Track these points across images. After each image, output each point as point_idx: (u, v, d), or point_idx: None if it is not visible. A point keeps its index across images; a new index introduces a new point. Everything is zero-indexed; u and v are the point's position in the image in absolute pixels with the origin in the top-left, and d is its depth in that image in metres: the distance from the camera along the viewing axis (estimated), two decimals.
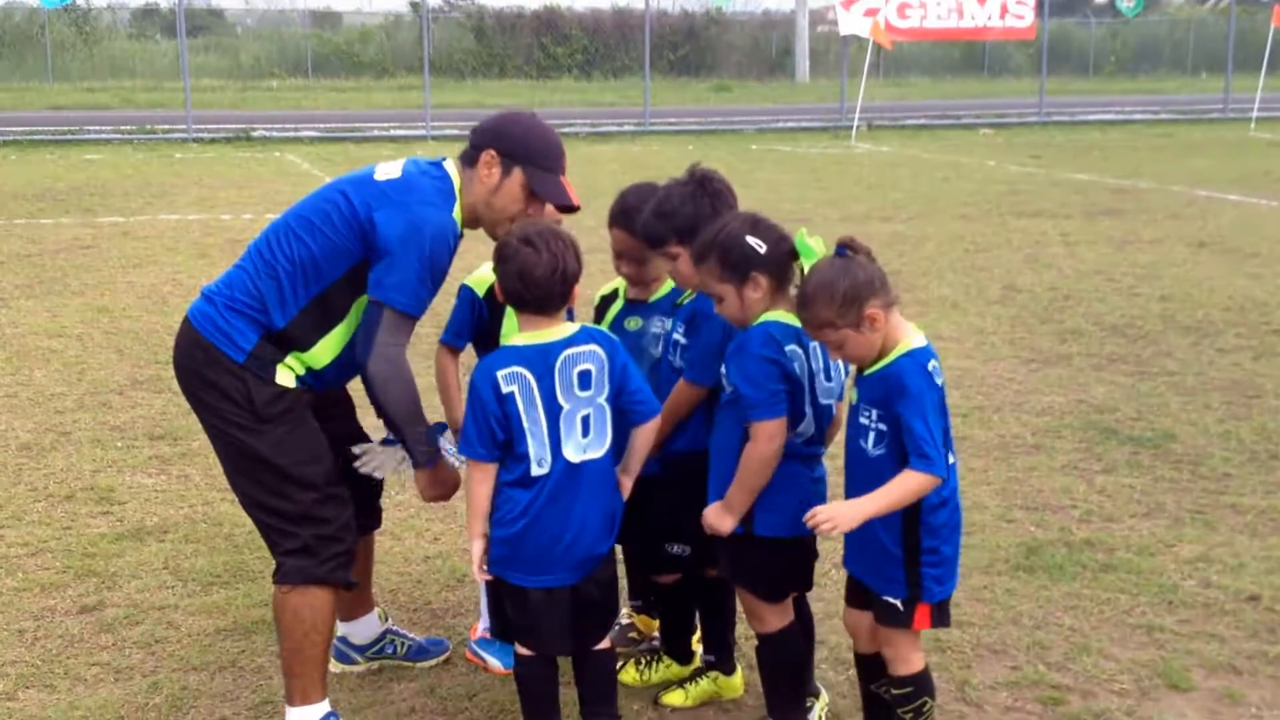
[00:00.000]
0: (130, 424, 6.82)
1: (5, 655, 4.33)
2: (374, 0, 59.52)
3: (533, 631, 3.55)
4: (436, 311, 4.19)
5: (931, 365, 3.26)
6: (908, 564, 3.32)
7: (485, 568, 3.51)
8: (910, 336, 3.29)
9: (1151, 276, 10.70)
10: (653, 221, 3.66)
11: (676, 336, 3.78)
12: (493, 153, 3.62)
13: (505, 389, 3.37)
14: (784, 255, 3.43)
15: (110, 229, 13.20)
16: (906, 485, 3.19)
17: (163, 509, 5.64)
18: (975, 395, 7.32)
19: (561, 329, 3.44)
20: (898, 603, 3.35)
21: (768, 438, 3.39)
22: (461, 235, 3.68)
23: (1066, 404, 7.14)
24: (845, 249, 3.25)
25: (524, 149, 3.64)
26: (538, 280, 3.36)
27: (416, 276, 3.46)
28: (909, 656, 3.45)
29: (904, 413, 3.18)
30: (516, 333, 3.50)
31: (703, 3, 33.99)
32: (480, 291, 4.04)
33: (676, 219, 3.60)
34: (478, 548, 3.49)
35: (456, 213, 3.61)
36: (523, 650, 3.60)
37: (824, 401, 3.55)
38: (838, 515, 3.18)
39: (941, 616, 3.41)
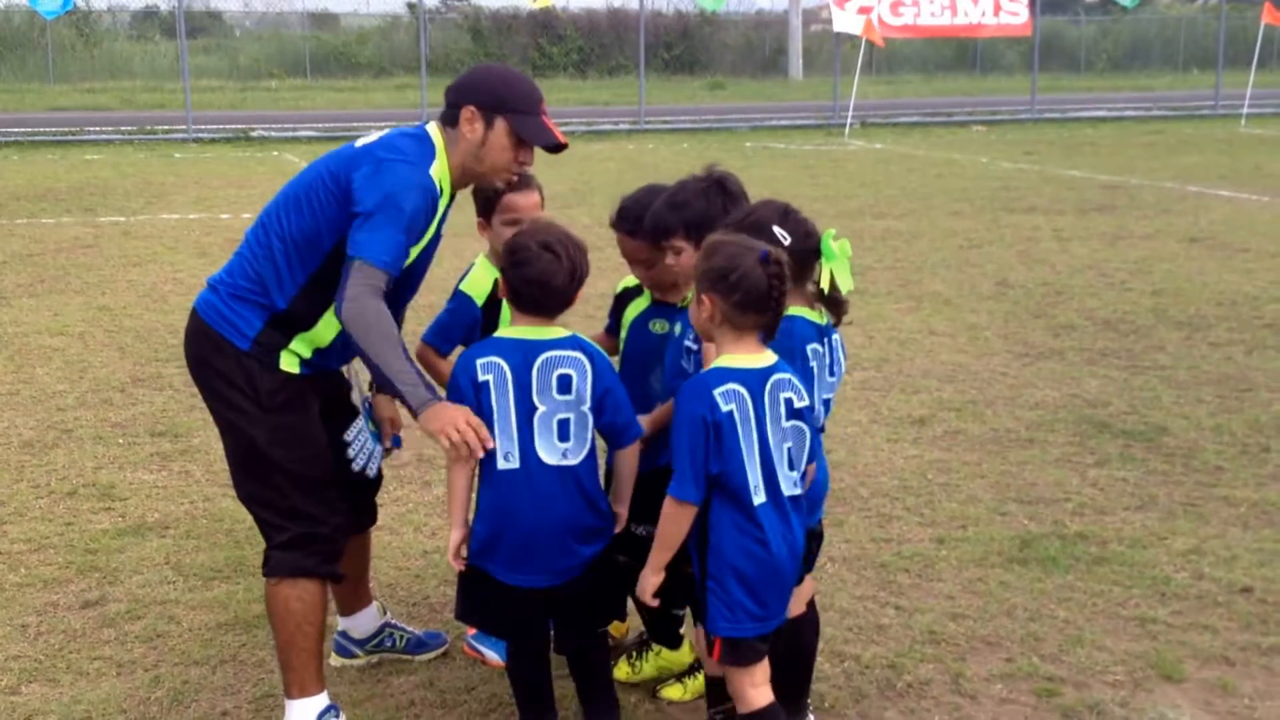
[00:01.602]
0: (131, 421, 6.86)
1: (8, 650, 4.37)
2: (371, 1, 59.62)
3: (508, 627, 3.56)
4: (425, 306, 4.20)
5: (725, 389, 3.16)
6: (700, 587, 3.31)
7: (463, 557, 3.49)
8: (731, 360, 3.21)
9: (1143, 271, 10.75)
10: (663, 212, 3.64)
11: (688, 343, 3.72)
12: (472, 109, 3.57)
13: (481, 377, 3.36)
14: (808, 252, 3.38)
15: (111, 228, 13.22)
16: (663, 513, 3.24)
17: (164, 505, 5.68)
18: (968, 390, 7.36)
19: (550, 330, 3.44)
20: (704, 628, 3.32)
21: None
22: (453, 196, 3.68)
23: (1059, 398, 7.19)
24: (767, 256, 3.15)
25: (501, 98, 3.58)
26: (557, 289, 3.38)
27: (390, 232, 3.40)
28: (741, 692, 3.33)
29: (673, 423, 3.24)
30: (508, 326, 3.51)
31: (696, 2, 33.91)
32: (480, 301, 4.01)
33: (687, 212, 3.58)
34: (455, 536, 3.47)
35: (437, 171, 3.56)
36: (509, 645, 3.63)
37: (825, 396, 3.52)
38: (644, 583, 3.34)
39: (734, 655, 3.28)
